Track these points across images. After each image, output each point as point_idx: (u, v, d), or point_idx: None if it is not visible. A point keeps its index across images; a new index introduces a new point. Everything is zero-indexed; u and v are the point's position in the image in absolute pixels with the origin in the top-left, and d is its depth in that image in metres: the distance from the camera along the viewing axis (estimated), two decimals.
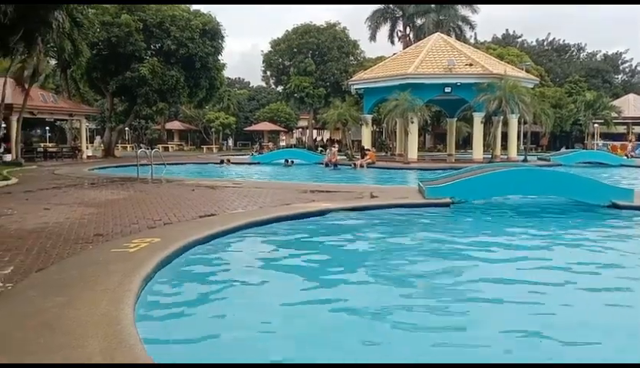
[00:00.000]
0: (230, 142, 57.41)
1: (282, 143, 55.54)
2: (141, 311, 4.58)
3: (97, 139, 47.74)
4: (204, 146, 53.68)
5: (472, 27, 50.85)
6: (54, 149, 32.80)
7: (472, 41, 50.89)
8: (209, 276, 6.08)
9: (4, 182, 15.20)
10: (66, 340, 3.68)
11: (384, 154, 36.35)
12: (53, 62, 34.67)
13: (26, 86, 24.47)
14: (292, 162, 28.55)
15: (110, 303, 4.39)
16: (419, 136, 31.85)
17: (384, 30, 52.39)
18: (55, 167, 22.85)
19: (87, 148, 35.05)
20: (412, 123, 27.04)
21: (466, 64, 27.93)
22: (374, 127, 39.90)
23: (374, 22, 51.58)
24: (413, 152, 28.00)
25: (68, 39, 23.22)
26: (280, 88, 53.11)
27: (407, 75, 27.29)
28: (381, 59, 41.42)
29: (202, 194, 12.64)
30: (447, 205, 10.95)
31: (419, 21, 50.86)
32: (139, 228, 8.01)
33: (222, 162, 28.53)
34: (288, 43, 48.14)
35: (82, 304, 4.39)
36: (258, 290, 5.71)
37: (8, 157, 24.80)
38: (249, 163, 29.55)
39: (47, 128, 42.15)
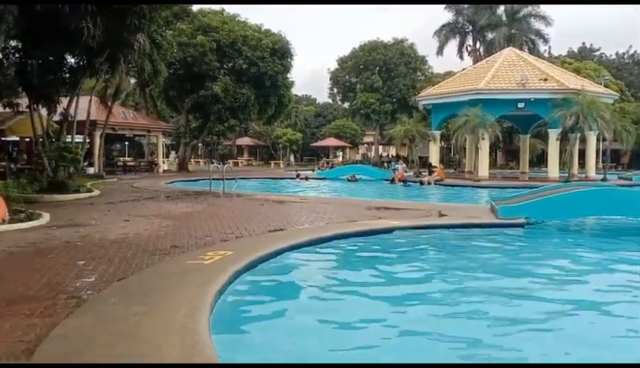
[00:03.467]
0: (292, 157, 58.11)
1: (339, 159, 55.56)
2: (216, 322, 4.69)
3: (172, 154, 50.00)
4: (272, 162, 54.87)
5: (545, 40, 49.22)
6: (133, 163, 34.64)
7: (546, 55, 49.08)
8: (279, 289, 6.17)
9: (88, 194, 16.14)
10: (145, 349, 3.82)
11: (452, 171, 35.58)
12: (133, 81, 36.70)
13: (109, 103, 26.04)
14: (355, 177, 28.36)
15: (187, 313, 4.54)
16: (490, 153, 30.85)
17: (452, 44, 51.78)
18: (134, 180, 24.06)
19: (163, 162, 36.79)
20: (483, 139, 26.33)
21: (541, 79, 26.90)
22: (442, 143, 39.17)
23: (443, 36, 50.97)
24: (484, 170, 27.17)
25: (148, 60, 24.54)
26: (346, 104, 53.51)
27: (477, 90, 26.64)
28: (449, 74, 40.79)
29: (270, 208, 12.89)
30: (521, 225, 10.50)
31: (489, 36, 49.75)
32: (212, 240, 8.26)
33: (298, 176, 28.94)
34: (355, 60, 48.56)
35: (160, 314, 4.56)
36: (327, 305, 5.72)
37: (91, 170, 26.43)
38: (315, 178, 29.81)
39: (127, 143, 44.65)
